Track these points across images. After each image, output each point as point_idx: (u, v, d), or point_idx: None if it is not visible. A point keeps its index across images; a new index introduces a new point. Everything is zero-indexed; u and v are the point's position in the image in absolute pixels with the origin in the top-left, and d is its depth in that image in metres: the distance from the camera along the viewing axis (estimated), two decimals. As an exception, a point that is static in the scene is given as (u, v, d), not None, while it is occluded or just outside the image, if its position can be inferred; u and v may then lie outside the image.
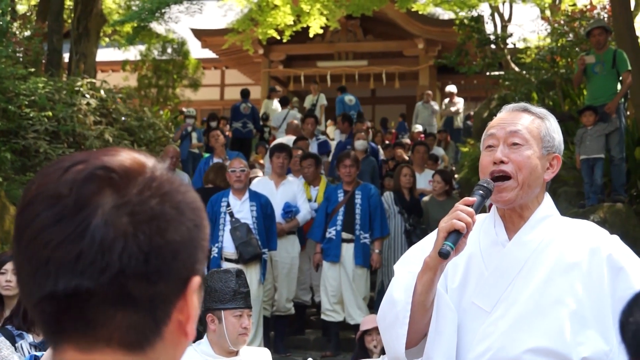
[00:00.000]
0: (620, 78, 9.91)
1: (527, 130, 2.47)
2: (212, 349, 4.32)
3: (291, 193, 9.48)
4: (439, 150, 14.74)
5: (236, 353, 4.34)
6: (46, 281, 0.99)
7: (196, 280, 1.07)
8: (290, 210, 9.28)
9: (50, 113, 10.77)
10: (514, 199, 2.42)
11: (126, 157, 1.05)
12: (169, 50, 22.52)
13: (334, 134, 16.25)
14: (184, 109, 15.55)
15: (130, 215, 1.00)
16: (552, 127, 2.54)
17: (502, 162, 2.42)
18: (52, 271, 0.98)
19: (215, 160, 11.48)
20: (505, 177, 2.42)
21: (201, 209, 1.10)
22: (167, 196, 1.04)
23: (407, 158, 14.36)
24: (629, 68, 9.82)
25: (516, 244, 2.44)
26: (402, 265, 2.58)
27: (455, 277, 2.49)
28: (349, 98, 18.13)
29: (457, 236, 2.23)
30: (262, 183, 9.61)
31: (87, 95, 12.45)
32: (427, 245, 2.59)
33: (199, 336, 4.48)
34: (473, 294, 2.45)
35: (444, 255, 2.21)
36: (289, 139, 12.07)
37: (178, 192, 1.06)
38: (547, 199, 2.54)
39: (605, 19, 13.60)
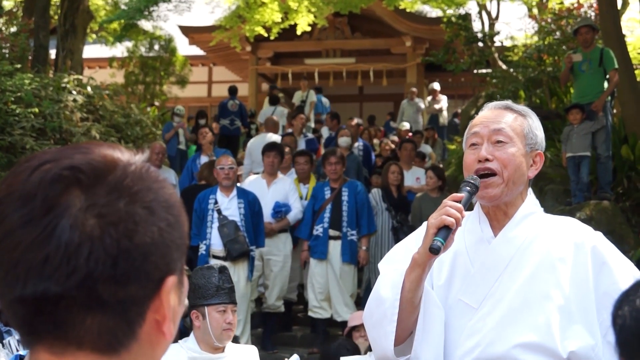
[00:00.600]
0: (607, 76, 9.94)
1: (511, 128, 2.49)
2: (198, 345, 4.32)
3: (283, 192, 9.47)
4: (426, 148, 14.74)
5: (222, 350, 4.34)
6: (15, 284, 0.98)
7: (171, 280, 1.05)
8: (280, 210, 9.27)
9: (36, 109, 10.70)
10: (499, 195, 2.43)
11: (97, 154, 1.04)
12: (156, 47, 22.42)
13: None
14: (176, 108, 15.49)
15: (97, 217, 0.98)
16: (535, 125, 2.56)
17: (487, 160, 2.43)
18: (21, 274, 0.97)
19: (203, 157, 11.47)
20: (491, 174, 2.43)
21: (176, 206, 1.08)
22: (138, 195, 1.02)
23: (392, 146, 14.42)
24: (616, 66, 9.86)
25: (501, 241, 2.45)
26: (387, 263, 2.58)
27: (441, 274, 2.50)
28: (325, 100, 18.32)
29: (446, 232, 2.24)
30: (254, 182, 9.61)
31: (74, 92, 12.38)
32: (411, 243, 2.60)
33: (187, 333, 4.50)
34: (459, 291, 2.45)
35: (435, 251, 2.22)
36: (270, 137, 12.07)
37: (150, 190, 1.05)
38: (531, 196, 2.56)
39: (592, 17, 13.66)
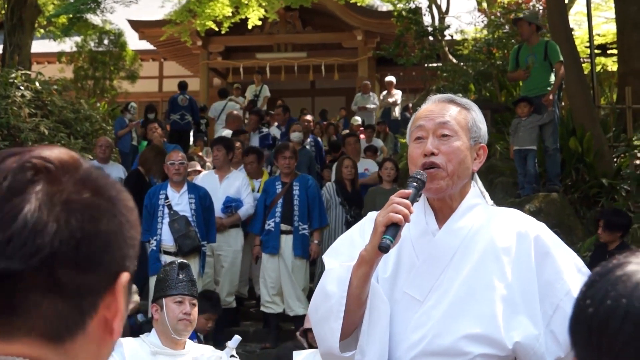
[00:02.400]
0: (554, 69, 10.06)
1: (456, 122, 2.49)
2: (160, 339, 4.35)
3: (235, 187, 9.44)
4: (378, 142, 14.80)
5: (183, 346, 4.36)
6: None
7: (125, 276, 1.07)
8: (230, 205, 9.24)
9: (-17, 106, 10.55)
10: (444, 188, 2.43)
11: (64, 152, 1.06)
12: (106, 41, 22.18)
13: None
14: (129, 105, 15.37)
15: (64, 203, 1.00)
16: (478, 118, 2.57)
17: (432, 153, 2.43)
18: None
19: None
20: (436, 167, 2.43)
21: (134, 209, 1.10)
22: (102, 189, 1.05)
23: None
24: (561, 59, 9.98)
25: (446, 233, 2.46)
26: (332, 257, 2.57)
27: (386, 267, 2.49)
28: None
29: (395, 229, 2.24)
30: (207, 177, 9.57)
31: (22, 87, 12.22)
32: (355, 235, 2.60)
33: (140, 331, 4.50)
34: (405, 283, 2.45)
35: (384, 250, 2.22)
36: (228, 133, 12.02)
37: (113, 188, 1.07)
38: (474, 189, 2.57)
39: (540, 10, 13.83)
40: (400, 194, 2.31)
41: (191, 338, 6.83)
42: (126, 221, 1.07)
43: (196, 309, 4.43)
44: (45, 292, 0.99)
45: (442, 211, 2.51)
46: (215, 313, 7.26)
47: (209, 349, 4.51)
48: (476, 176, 2.65)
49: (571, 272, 2.36)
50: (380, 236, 2.23)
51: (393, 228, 2.24)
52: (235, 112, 13.96)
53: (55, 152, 1.05)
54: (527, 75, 10.25)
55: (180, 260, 4.59)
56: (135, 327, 7.86)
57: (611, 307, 1.03)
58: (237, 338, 4.66)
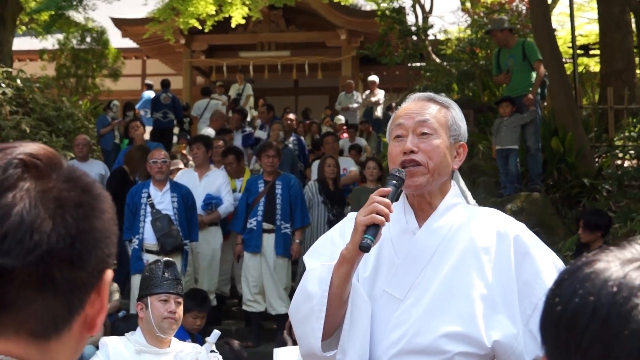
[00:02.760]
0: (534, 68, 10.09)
1: (436, 120, 2.49)
2: (145, 338, 4.36)
3: (215, 184, 9.44)
4: (361, 141, 14.82)
5: (168, 344, 4.36)
6: None
7: (109, 273, 1.08)
8: (210, 202, 9.23)
9: (-37, 103, 10.49)
10: (424, 184, 2.43)
11: (47, 148, 1.07)
12: (88, 39, 22.04)
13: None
14: (112, 103, 15.34)
15: (57, 200, 1.01)
16: (458, 116, 2.57)
17: (412, 152, 2.43)
18: None
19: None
20: (416, 165, 2.43)
21: (113, 207, 1.12)
22: (88, 187, 1.07)
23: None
24: (539, 57, 10.01)
25: (426, 231, 2.46)
26: (313, 257, 2.57)
27: (366, 266, 2.49)
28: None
29: (376, 229, 2.24)
30: (186, 175, 9.55)
31: (3, 85, 12.15)
32: (336, 235, 2.59)
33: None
34: (385, 282, 2.45)
35: (365, 249, 2.22)
36: (209, 132, 12.00)
37: (96, 185, 1.09)
38: (454, 188, 2.58)
39: (524, 11, 13.89)
40: (380, 192, 2.31)
41: (183, 338, 6.84)
42: (110, 218, 1.09)
43: (181, 307, 4.44)
44: (38, 290, 0.99)
45: (422, 209, 2.51)
46: (202, 311, 7.25)
47: (189, 346, 4.52)
48: (459, 176, 2.66)
49: (550, 272, 2.36)
50: (361, 236, 2.23)
51: (374, 227, 2.24)
52: (220, 110, 13.91)
53: (40, 149, 1.05)
54: (508, 79, 10.30)
55: (166, 258, 4.59)
56: (115, 326, 7.84)
57: (579, 305, 1.03)
58: (216, 333, 4.67)
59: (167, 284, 4.37)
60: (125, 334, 4.42)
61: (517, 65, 10.12)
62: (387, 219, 2.26)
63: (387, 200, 2.28)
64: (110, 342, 4.28)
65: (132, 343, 4.30)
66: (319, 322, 2.32)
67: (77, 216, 1.02)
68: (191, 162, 11.93)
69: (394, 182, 2.37)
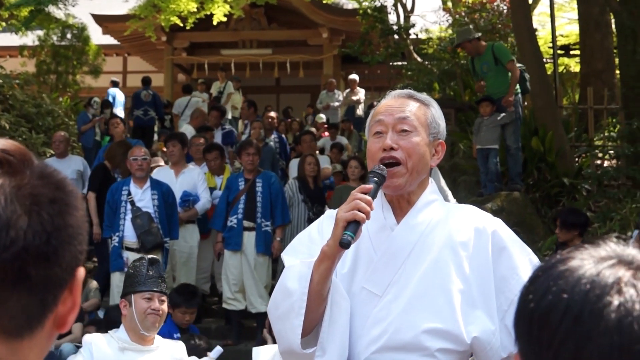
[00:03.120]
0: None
1: (415, 117, 2.49)
2: (128, 335, 4.36)
3: (191, 182, 9.42)
4: (342, 140, 14.84)
5: (152, 342, 4.36)
6: None
7: (82, 271, 1.07)
8: (187, 200, 9.21)
9: (-58, 99, 10.41)
10: (403, 184, 2.44)
11: (17, 144, 1.05)
12: (69, 35, 21.93)
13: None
14: (92, 100, 15.26)
15: (32, 196, 1.00)
16: (437, 114, 2.58)
17: (391, 148, 2.43)
18: None
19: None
20: (395, 163, 2.43)
21: (84, 204, 1.11)
22: (61, 184, 1.05)
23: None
24: (511, 58, 10.01)
25: (404, 228, 2.46)
26: (291, 255, 2.56)
27: (344, 262, 2.48)
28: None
29: (356, 225, 2.24)
30: (162, 172, 9.52)
31: (-18, 81, 12.09)
32: (314, 233, 2.59)
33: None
34: (363, 278, 2.45)
35: (345, 246, 2.22)
36: (189, 130, 11.98)
37: (67, 182, 1.07)
38: (432, 185, 2.58)
39: (505, 10, 13.92)
40: (362, 189, 2.31)
41: (173, 332, 6.82)
42: (82, 215, 1.08)
43: (165, 305, 4.43)
44: (13, 287, 0.98)
45: (400, 206, 2.51)
46: (190, 307, 7.25)
47: (179, 347, 4.51)
48: (439, 174, 2.67)
49: (526, 268, 2.38)
50: (342, 232, 2.23)
51: (354, 224, 2.24)
52: (201, 108, 13.88)
53: (11, 145, 1.04)
54: (484, 86, 10.31)
55: (150, 256, 4.58)
56: (94, 323, 7.81)
57: (552, 302, 1.03)
58: (218, 349, 4.64)
59: (151, 281, 4.37)
60: (109, 332, 4.42)
61: (491, 70, 10.10)
62: (368, 217, 2.26)
63: (368, 198, 2.28)
64: (94, 340, 4.28)
65: (115, 340, 4.30)
66: (298, 318, 2.31)
67: (52, 212, 1.00)
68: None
69: (375, 179, 2.37)
